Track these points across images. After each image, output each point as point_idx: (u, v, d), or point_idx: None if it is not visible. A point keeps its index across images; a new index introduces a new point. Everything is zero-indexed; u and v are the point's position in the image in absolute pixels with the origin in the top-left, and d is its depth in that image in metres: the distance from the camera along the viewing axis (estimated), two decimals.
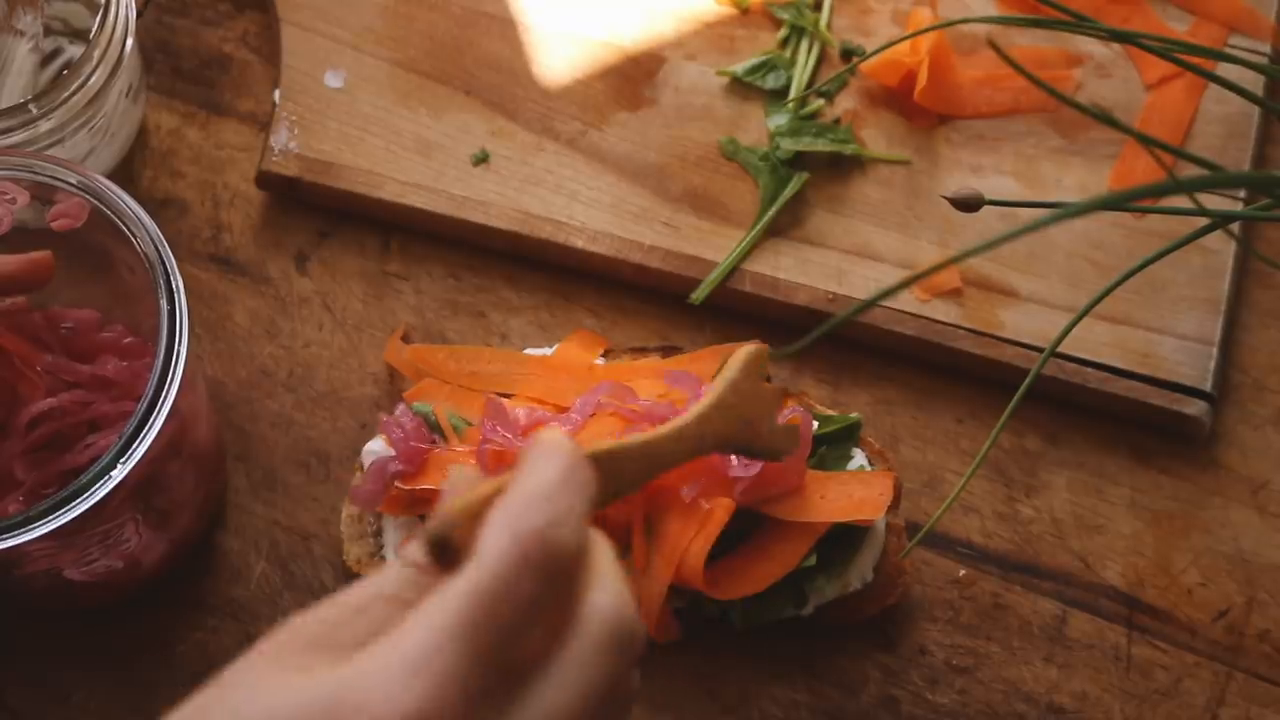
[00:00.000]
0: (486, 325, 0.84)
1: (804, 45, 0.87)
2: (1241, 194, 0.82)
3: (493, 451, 0.72)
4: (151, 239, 0.70)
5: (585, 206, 0.84)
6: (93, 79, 0.78)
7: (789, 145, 0.84)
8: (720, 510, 0.72)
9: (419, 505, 0.75)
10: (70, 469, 0.72)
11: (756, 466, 0.72)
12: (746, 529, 0.74)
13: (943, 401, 0.82)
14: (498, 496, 0.48)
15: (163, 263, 0.69)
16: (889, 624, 0.78)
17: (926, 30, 0.79)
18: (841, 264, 0.83)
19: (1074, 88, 0.86)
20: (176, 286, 0.69)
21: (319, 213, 0.86)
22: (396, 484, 0.74)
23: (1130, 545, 0.80)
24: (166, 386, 0.67)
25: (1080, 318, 0.69)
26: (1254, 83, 0.83)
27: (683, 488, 0.72)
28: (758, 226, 0.83)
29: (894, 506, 0.76)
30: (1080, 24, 0.67)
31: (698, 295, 0.82)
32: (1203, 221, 0.69)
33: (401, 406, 0.76)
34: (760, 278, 0.82)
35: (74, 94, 0.78)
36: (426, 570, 0.49)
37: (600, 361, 0.80)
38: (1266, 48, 0.86)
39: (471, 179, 0.85)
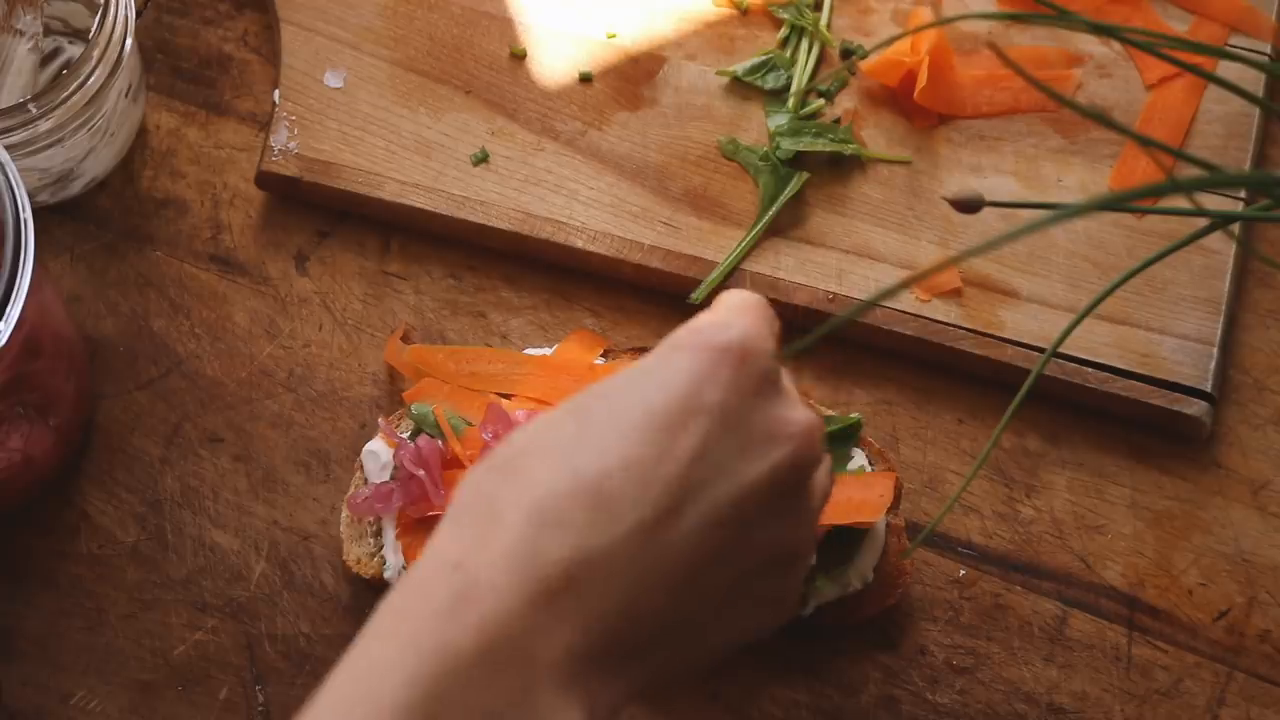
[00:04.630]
0: (486, 325, 0.84)
1: (804, 45, 0.87)
2: (1242, 194, 0.82)
3: None
4: None
5: (585, 206, 0.84)
6: (92, 79, 0.78)
7: (789, 145, 0.84)
8: None
9: (427, 522, 0.75)
10: None
11: None
12: None
13: (943, 401, 0.82)
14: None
15: (2, 168, 0.70)
16: (889, 624, 0.78)
17: (922, 28, 0.79)
18: (841, 264, 0.83)
19: (1074, 88, 0.86)
20: (16, 183, 0.69)
21: (319, 213, 0.86)
22: (406, 512, 0.75)
23: (1130, 545, 0.80)
24: (15, 291, 0.68)
25: (1081, 318, 0.69)
26: (1254, 82, 0.83)
27: None
28: (758, 226, 0.83)
29: (894, 507, 0.76)
30: (1066, 18, 0.67)
31: (698, 295, 0.82)
32: (1203, 222, 0.69)
33: (410, 445, 0.76)
34: (760, 278, 0.82)
35: (73, 94, 0.78)
36: None
37: (600, 361, 0.80)
38: (1267, 47, 0.86)
39: (471, 179, 0.85)
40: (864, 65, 0.86)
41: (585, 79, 0.87)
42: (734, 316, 0.58)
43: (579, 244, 0.83)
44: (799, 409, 0.58)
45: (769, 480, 0.55)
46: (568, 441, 0.54)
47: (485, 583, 0.51)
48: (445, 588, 0.51)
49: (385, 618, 0.52)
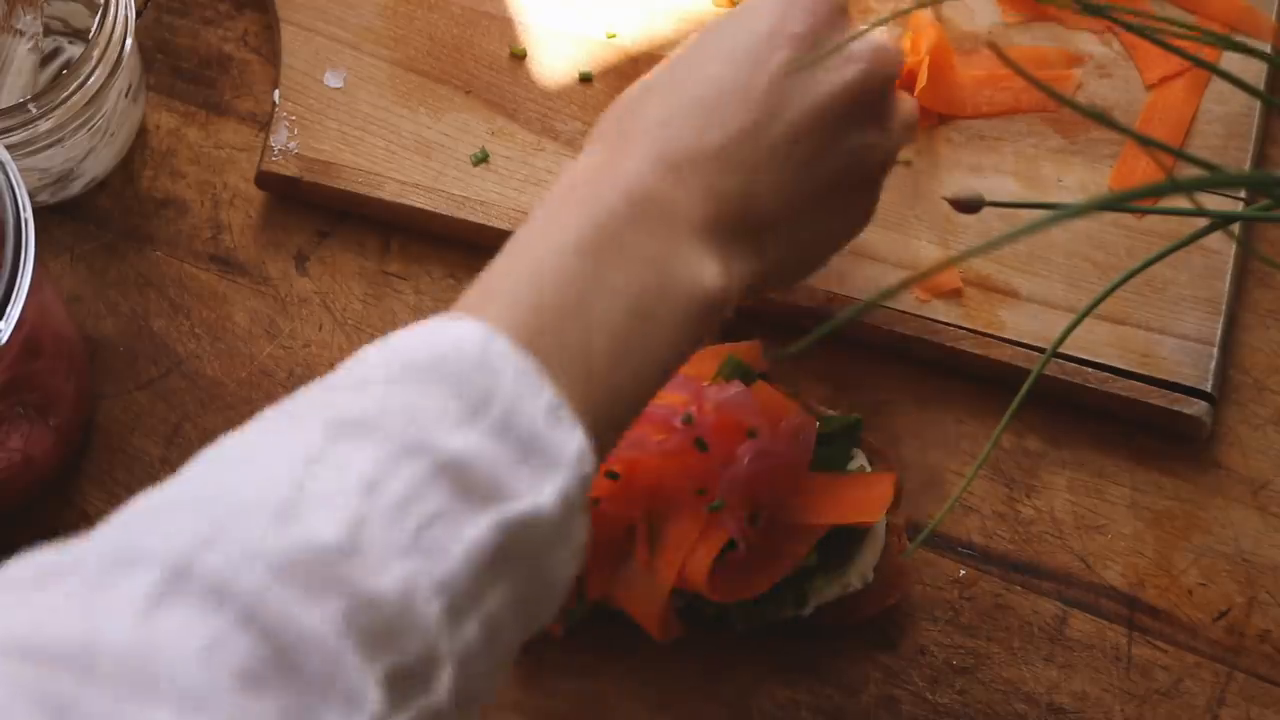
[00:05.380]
0: None
1: None
2: (1242, 194, 0.82)
3: None
4: None
5: None
6: (92, 79, 0.78)
7: None
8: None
9: None
10: None
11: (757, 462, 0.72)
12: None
13: (943, 401, 0.82)
14: None
15: (3, 167, 0.69)
16: (889, 624, 0.78)
17: (909, 10, 0.79)
18: (841, 264, 0.83)
19: (1074, 87, 0.86)
20: (16, 183, 0.69)
21: (319, 213, 0.86)
22: None
23: (1131, 545, 0.80)
24: (15, 291, 0.68)
25: (1081, 319, 0.69)
26: (1254, 81, 0.83)
27: (684, 490, 0.72)
28: None
29: (894, 507, 0.76)
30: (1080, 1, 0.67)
31: None
32: (1203, 222, 0.69)
33: None
34: None
35: (73, 94, 0.78)
36: None
37: None
38: (1267, 48, 0.86)
39: (471, 179, 0.85)
40: None
41: (585, 79, 0.87)
42: None
43: None
44: (871, 35, 0.69)
45: (848, 90, 0.68)
46: (682, 75, 0.67)
47: (624, 167, 0.63)
48: (594, 176, 0.63)
49: (540, 208, 0.63)
